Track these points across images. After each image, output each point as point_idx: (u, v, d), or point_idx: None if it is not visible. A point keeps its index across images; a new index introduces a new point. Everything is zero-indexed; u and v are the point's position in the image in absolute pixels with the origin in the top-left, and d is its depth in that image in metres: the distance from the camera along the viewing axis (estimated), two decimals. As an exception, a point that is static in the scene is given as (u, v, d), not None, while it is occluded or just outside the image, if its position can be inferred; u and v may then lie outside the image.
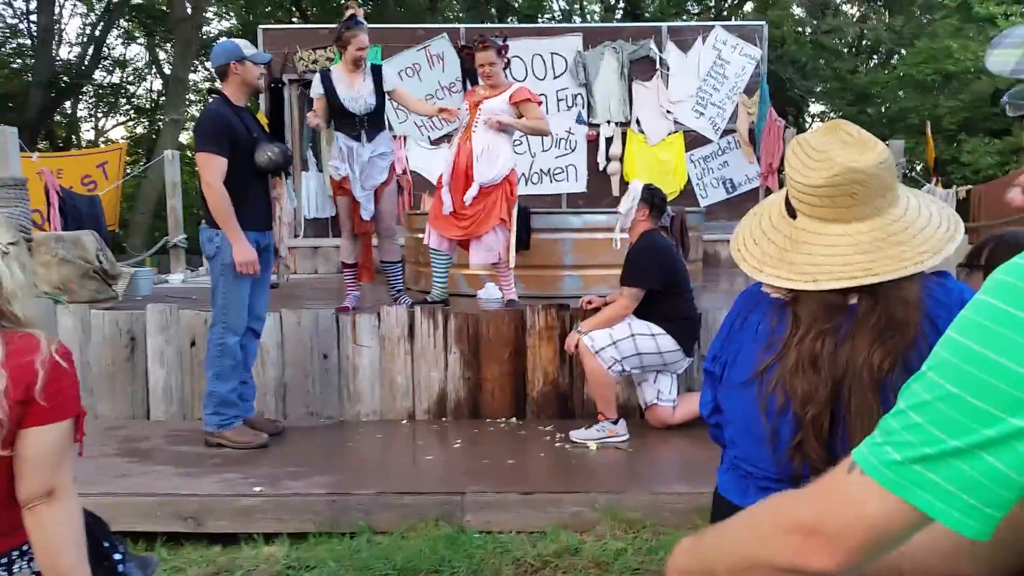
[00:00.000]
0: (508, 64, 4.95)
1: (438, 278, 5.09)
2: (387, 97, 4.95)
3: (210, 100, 4.25)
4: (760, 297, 1.54)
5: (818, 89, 19.30)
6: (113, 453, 4.12)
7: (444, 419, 4.75)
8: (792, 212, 1.44)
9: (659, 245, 4.32)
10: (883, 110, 18.28)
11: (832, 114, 21.32)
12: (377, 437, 4.46)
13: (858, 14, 20.55)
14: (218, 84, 4.21)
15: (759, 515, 0.88)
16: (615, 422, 4.20)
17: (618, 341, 4.17)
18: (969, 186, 7.21)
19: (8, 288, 1.54)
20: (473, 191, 4.77)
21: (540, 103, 5.04)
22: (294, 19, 19.98)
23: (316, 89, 4.85)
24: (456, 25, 10.90)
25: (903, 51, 18.62)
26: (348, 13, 4.86)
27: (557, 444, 4.22)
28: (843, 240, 1.37)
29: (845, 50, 20.09)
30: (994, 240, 1.82)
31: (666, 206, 4.51)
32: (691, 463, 3.88)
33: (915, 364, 1.33)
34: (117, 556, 1.87)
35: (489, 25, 12.73)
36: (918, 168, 14.01)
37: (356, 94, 4.77)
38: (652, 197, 4.34)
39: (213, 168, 3.91)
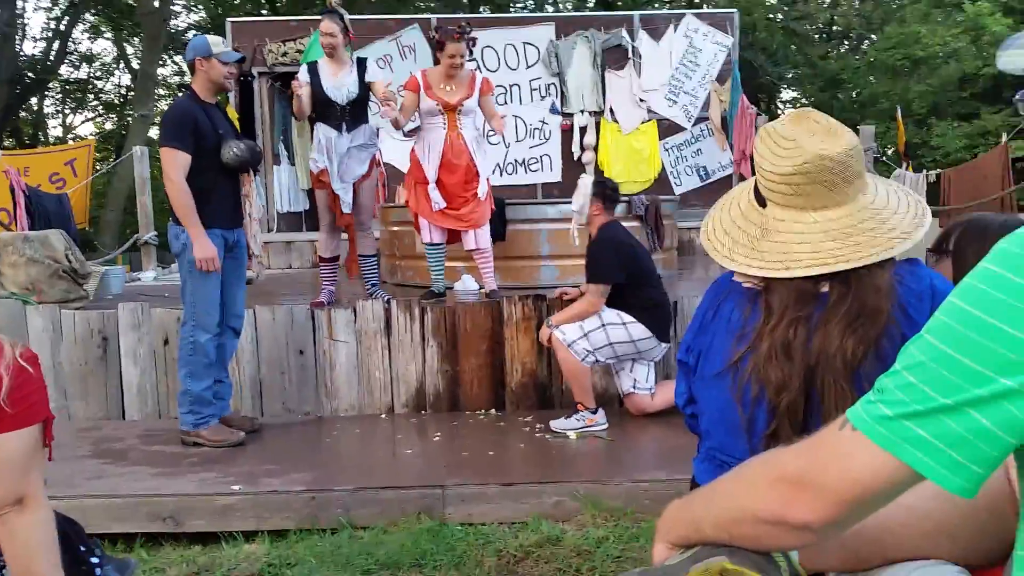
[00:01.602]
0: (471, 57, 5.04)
1: (436, 271, 5.10)
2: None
3: (179, 95, 4.22)
4: (731, 287, 1.55)
5: (789, 75, 19.43)
6: (88, 454, 4.07)
7: (423, 412, 4.74)
8: (762, 201, 1.44)
9: (617, 238, 4.31)
10: (854, 95, 18.42)
11: (804, 100, 21.47)
12: (355, 432, 4.44)
13: (828, 0, 20.68)
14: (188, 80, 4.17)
15: (748, 468, 0.89)
16: (594, 411, 4.22)
17: (589, 333, 4.18)
18: (939, 170, 7.31)
19: None
20: (484, 187, 4.93)
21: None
22: (263, 11, 19.74)
23: (303, 77, 4.81)
24: (427, 16, 10.82)
25: (873, 36, 18.78)
26: (327, 2, 5.07)
27: (537, 435, 4.22)
28: (813, 227, 1.37)
29: (816, 36, 20.23)
30: (961, 225, 1.84)
31: (619, 195, 4.51)
32: (669, 450, 3.90)
33: (887, 352, 1.35)
34: (94, 559, 1.85)
35: (461, 15, 12.65)
36: (889, 152, 14.15)
37: (339, 83, 4.78)
38: (604, 190, 4.33)
39: (175, 163, 3.87)
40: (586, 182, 4.37)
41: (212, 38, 4.13)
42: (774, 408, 1.38)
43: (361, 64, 4.88)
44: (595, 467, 3.76)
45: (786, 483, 0.80)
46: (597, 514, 3.32)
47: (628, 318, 4.22)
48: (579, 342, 4.16)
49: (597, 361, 4.26)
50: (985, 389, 0.67)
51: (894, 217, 1.38)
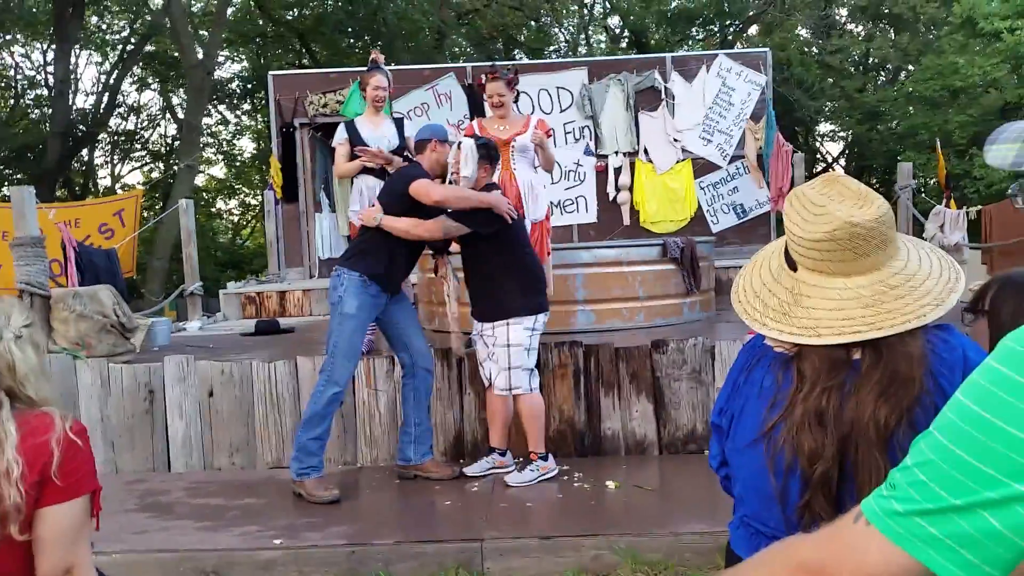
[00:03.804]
0: (518, 97, 5.00)
1: None
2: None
3: (406, 163, 4.62)
4: (764, 350, 1.55)
5: (826, 108, 19.30)
6: (134, 508, 4.15)
7: (462, 461, 4.74)
8: (792, 264, 1.45)
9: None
10: (892, 127, 18.24)
11: (841, 133, 21.31)
12: (395, 483, 4.45)
13: (863, 32, 20.60)
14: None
15: (770, 555, 0.92)
16: (503, 453, 4.38)
17: (511, 362, 4.17)
18: (979, 207, 7.20)
19: (21, 371, 1.57)
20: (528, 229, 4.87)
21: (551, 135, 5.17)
22: (304, 61, 20.26)
23: (339, 136, 4.98)
24: (462, 64, 11.03)
25: (911, 67, 18.63)
26: (371, 58, 5.31)
27: (575, 484, 4.20)
28: (845, 294, 1.37)
29: (852, 69, 20.12)
30: (998, 282, 1.81)
31: (498, 153, 4.46)
32: (711, 501, 3.83)
33: (920, 421, 1.34)
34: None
35: (496, 62, 12.87)
36: (931, 183, 13.93)
37: (380, 134, 4.98)
38: (488, 151, 4.34)
39: (430, 185, 4.11)
40: (469, 144, 4.29)
41: (449, 128, 4.42)
42: (807, 478, 1.37)
43: (399, 122, 5.15)
44: (635, 519, 3.72)
45: (803, 572, 0.81)
46: (637, 568, 3.29)
47: (515, 327, 4.16)
48: (515, 376, 4.17)
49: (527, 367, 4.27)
50: (996, 492, 0.67)
51: (926, 283, 1.38)
